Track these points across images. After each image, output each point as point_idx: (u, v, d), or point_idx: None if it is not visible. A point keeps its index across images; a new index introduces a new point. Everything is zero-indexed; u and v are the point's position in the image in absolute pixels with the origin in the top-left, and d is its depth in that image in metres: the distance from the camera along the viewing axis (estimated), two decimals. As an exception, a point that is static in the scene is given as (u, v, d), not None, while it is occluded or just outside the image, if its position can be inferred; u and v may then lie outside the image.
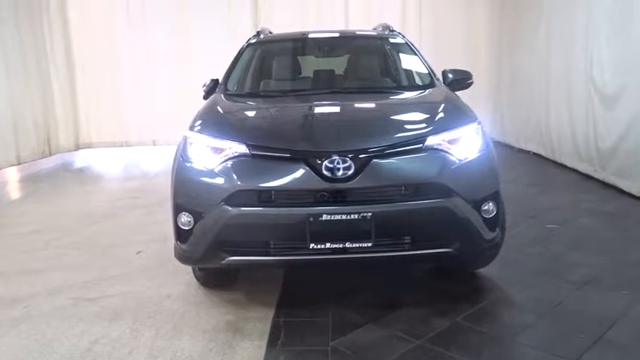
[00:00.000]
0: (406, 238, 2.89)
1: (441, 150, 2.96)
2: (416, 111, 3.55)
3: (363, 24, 8.67)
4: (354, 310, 3.14)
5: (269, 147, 2.95)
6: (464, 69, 4.18)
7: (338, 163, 2.79)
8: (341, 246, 2.80)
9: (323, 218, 2.75)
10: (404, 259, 3.01)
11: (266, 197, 2.86)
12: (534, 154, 8.19)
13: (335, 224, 2.76)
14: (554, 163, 7.41)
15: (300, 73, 4.59)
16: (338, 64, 4.64)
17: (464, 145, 3.03)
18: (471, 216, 2.93)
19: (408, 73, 4.35)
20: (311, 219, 2.76)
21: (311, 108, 3.60)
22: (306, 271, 3.75)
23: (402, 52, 4.48)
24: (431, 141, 2.96)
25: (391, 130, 3.14)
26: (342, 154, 2.81)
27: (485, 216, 3.01)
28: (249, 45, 4.59)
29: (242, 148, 2.94)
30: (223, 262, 2.95)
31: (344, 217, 2.76)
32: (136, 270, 3.93)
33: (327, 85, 4.21)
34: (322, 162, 2.80)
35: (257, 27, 7.93)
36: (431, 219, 2.86)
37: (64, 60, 9.82)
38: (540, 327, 2.91)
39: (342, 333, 2.88)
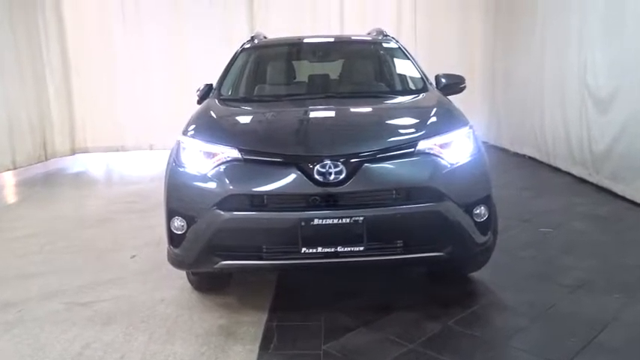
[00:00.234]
0: (398, 242, 2.90)
1: (433, 154, 2.97)
2: (408, 115, 3.57)
3: (358, 28, 8.71)
4: (346, 314, 3.15)
5: (261, 151, 2.96)
6: (457, 73, 4.20)
7: (330, 167, 2.80)
8: (333, 250, 2.81)
9: (315, 222, 2.76)
10: (396, 262, 3.02)
11: (258, 202, 2.87)
12: (529, 157, 8.22)
13: (327, 228, 2.77)
14: (549, 166, 7.43)
15: (294, 78, 4.61)
16: (331, 69, 4.66)
17: (455, 150, 3.05)
18: (462, 220, 2.94)
19: (401, 78, 4.37)
20: (303, 223, 2.76)
21: (303, 113, 3.61)
22: (299, 275, 3.76)
23: (395, 57, 4.50)
24: (422, 145, 2.98)
25: (383, 134, 3.15)
26: (334, 158, 2.82)
27: (477, 220, 3.02)
28: (243, 50, 4.61)
29: (234, 153, 2.96)
30: (216, 266, 2.96)
31: (336, 221, 2.77)
32: (130, 274, 3.93)
33: (319, 90, 4.22)
34: (314, 166, 2.81)
35: (253, 31, 7.97)
36: (422, 223, 2.87)
37: (59, 64, 9.83)
38: (532, 330, 2.92)
39: (335, 337, 2.89)
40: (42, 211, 6.09)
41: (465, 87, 4.15)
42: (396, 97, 4.04)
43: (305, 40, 4.92)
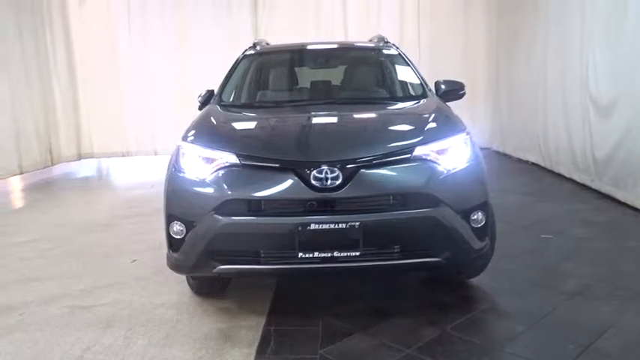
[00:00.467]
0: (394, 247, 2.90)
1: (429, 160, 2.98)
2: (405, 121, 3.58)
3: (362, 34, 8.76)
4: (344, 319, 3.16)
5: (258, 157, 2.99)
6: (456, 80, 4.22)
7: (326, 173, 2.82)
8: (329, 255, 2.82)
9: (311, 227, 2.78)
10: (392, 268, 3.01)
11: (255, 207, 2.89)
12: (532, 163, 8.22)
13: (323, 233, 2.78)
14: (552, 172, 7.43)
15: (293, 84, 4.64)
16: (331, 76, 4.68)
17: (452, 156, 3.05)
18: (459, 226, 2.94)
19: (401, 84, 4.38)
20: (299, 228, 2.78)
21: (302, 119, 3.64)
22: (298, 280, 3.78)
23: (395, 64, 4.51)
24: (419, 151, 2.99)
25: (379, 140, 3.16)
26: (331, 164, 2.84)
27: (474, 226, 3.02)
28: (245, 56, 4.65)
29: (232, 158, 2.98)
30: (214, 270, 2.98)
31: (332, 226, 2.79)
32: (131, 278, 3.96)
33: (318, 97, 4.25)
34: (311, 172, 2.83)
35: (257, 38, 8.01)
36: (418, 229, 2.88)
37: (66, 71, 9.96)
38: (529, 336, 2.92)
39: (332, 341, 2.90)
40: (46, 216, 6.15)
41: (464, 93, 4.15)
42: (394, 104, 4.04)
43: (305, 47, 4.96)
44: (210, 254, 2.95)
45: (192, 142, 3.23)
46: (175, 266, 3.20)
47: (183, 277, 3.59)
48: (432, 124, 3.31)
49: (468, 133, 3.24)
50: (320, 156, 2.92)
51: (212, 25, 9.93)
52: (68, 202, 7.21)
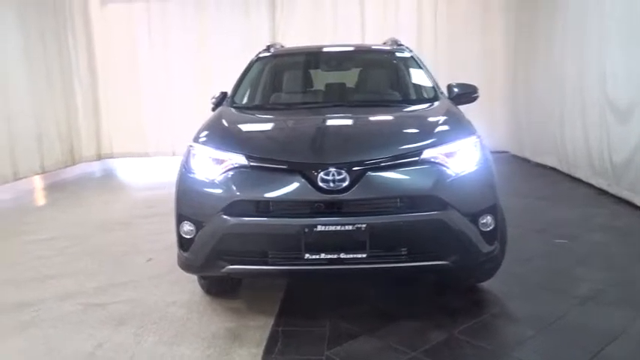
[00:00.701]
0: (401, 249, 2.90)
1: (438, 163, 2.97)
2: (415, 124, 3.57)
3: (379, 37, 8.75)
4: (351, 321, 3.17)
5: (266, 158, 3.02)
6: (470, 83, 4.20)
7: (333, 174, 2.83)
8: (336, 257, 2.84)
9: (318, 229, 2.79)
10: (399, 270, 3.02)
11: (263, 207, 2.92)
12: (550, 167, 8.12)
13: (330, 235, 2.80)
14: (570, 177, 7.33)
15: (307, 87, 4.66)
16: (344, 78, 4.70)
17: (461, 159, 3.04)
18: (466, 229, 2.93)
19: (413, 87, 4.37)
20: (306, 230, 2.80)
21: (311, 121, 3.66)
22: (307, 281, 3.79)
23: (408, 66, 4.50)
24: (427, 154, 2.98)
25: (387, 142, 3.16)
26: (338, 166, 2.86)
27: (482, 229, 3.00)
28: (258, 59, 4.69)
29: (241, 160, 3.01)
30: (223, 270, 3.01)
31: (339, 228, 2.80)
32: (145, 277, 4.03)
33: (329, 99, 4.26)
34: (318, 174, 2.85)
35: (274, 40, 8.07)
36: (426, 231, 2.88)
37: (87, 73, 10.19)
38: (539, 341, 2.89)
39: (338, 343, 2.91)
40: (65, 215, 6.28)
41: (477, 96, 4.13)
42: (406, 106, 4.04)
43: (319, 50, 4.98)
44: (218, 254, 2.99)
45: (202, 143, 3.28)
46: (185, 265, 3.24)
47: (195, 277, 3.64)
48: (442, 127, 3.30)
49: (478, 137, 3.22)
50: (327, 158, 2.93)
51: (230, 30, 10.03)
52: (87, 201, 7.34)
